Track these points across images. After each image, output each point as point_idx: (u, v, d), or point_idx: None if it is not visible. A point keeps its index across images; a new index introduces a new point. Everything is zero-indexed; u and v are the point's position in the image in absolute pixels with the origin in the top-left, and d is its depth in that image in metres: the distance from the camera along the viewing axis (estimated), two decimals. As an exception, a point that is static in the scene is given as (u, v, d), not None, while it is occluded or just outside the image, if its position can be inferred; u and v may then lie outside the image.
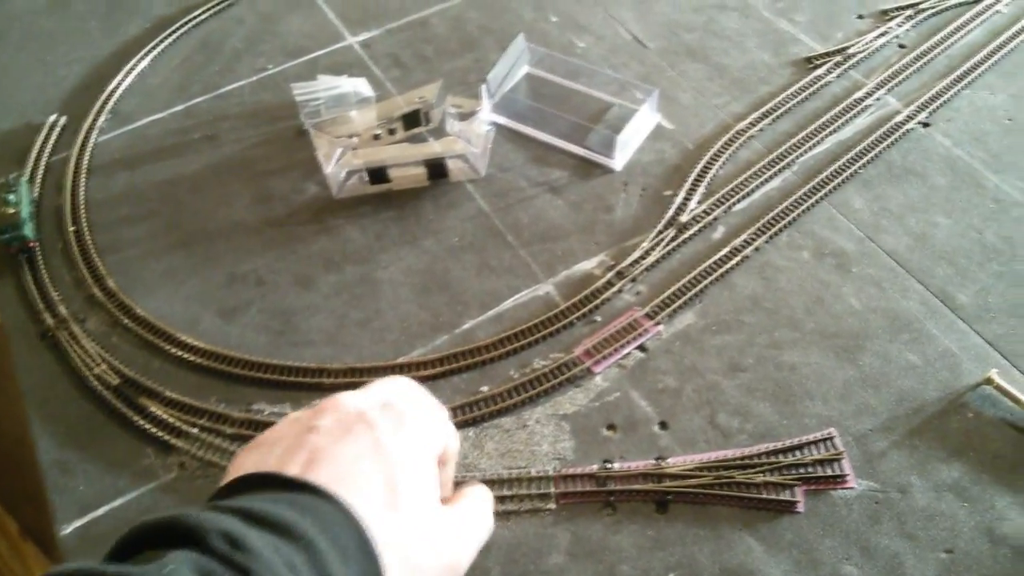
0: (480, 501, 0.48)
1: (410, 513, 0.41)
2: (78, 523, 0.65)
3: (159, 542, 0.33)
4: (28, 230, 0.82)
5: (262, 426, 0.69)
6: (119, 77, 0.99)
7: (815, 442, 0.66)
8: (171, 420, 0.69)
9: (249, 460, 0.41)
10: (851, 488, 0.63)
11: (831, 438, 0.66)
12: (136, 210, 0.86)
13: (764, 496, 0.63)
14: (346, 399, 0.44)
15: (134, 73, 0.99)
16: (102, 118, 0.95)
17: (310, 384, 0.71)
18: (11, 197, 0.82)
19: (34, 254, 0.82)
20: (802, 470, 0.64)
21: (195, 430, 0.69)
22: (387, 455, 0.41)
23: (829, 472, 0.64)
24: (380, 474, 0.40)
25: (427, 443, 0.45)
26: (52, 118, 0.95)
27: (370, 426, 0.42)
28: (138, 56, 1.01)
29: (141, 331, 0.76)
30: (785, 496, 0.63)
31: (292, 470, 0.39)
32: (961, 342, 0.71)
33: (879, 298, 0.75)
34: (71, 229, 0.84)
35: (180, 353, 0.74)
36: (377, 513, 0.39)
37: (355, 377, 0.71)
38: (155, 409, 0.70)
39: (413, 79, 0.96)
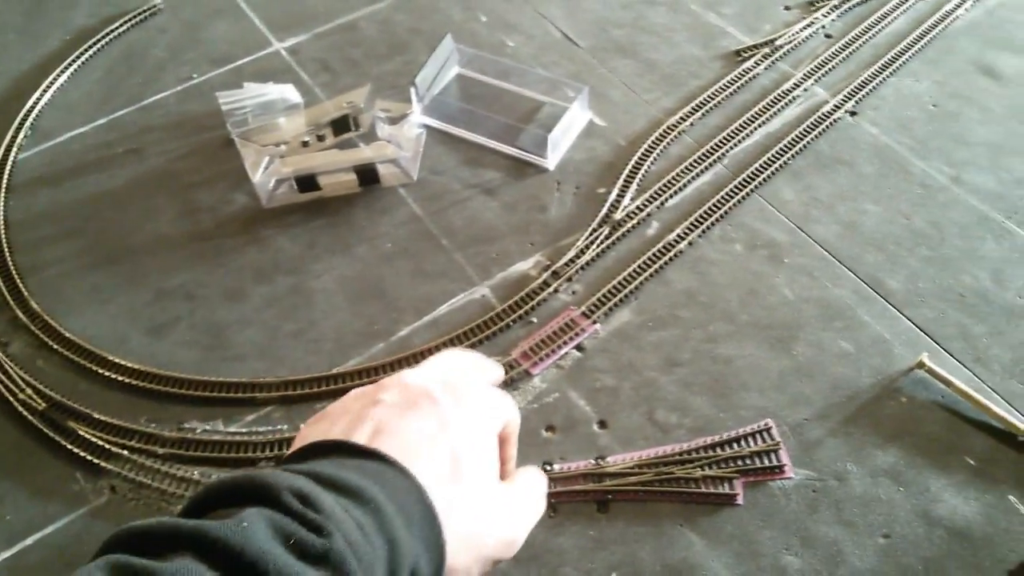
0: (536, 482, 0.49)
1: (471, 487, 0.42)
2: (7, 554, 0.62)
3: (233, 501, 0.33)
4: (-55, 253, 0.79)
5: (195, 444, 0.67)
6: (38, 92, 0.96)
7: (752, 434, 0.66)
8: (100, 442, 0.67)
9: (316, 431, 0.41)
10: (789, 478, 0.64)
11: (768, 429, 0.66)
12: (59, 228, 0.83)
13: (704, 490, 0.63)
14: (410, 375, 0.45)
15: (54, 87, 0.97)
16: (21, 135, 0.92)
17: (242, 399, 0.70)
18: (-74, 219, 0.80)
19: (-48, 278, 0.79)
20: (740, 462, 0.64)
21: (125, 452, 0.67)
22: (450, 430, 0.42)
23: (767, 463, 0.64)
24: (444, 447, 0.41)
25: (488, 419, 0.46)
26: (-31, 136, 0.92)
27: (434, 402, 0.43)
28: (58, 70, 0.98)
29: (68, 353, 0.73)
30: (724, 489, 0.63)
31: (359, 439, 0.39)
32: (893, 328, 0.72)
33: (811, 287, 0.75)
34: (-9, 250, 0.81)
35: (108, 373, 0.72)
36: (440, 484, 0.40)
37: (289, 390, 0.70)
38: (83, 432, 0.68)
39: (342, 84, 0.95)
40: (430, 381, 0.45)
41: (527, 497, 0.48)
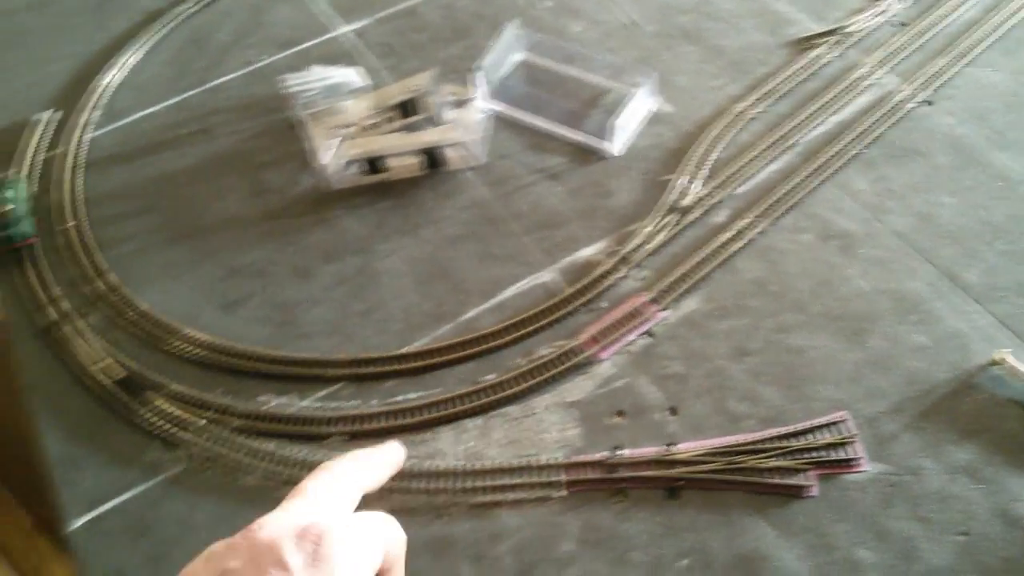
0: None
1: None
2: (85, 518, 0.64)
3: None
4: (27, 226, 0.81)
5: (268, 418, 0.68)
6: (110, 72, 0.97)
7: (826, 425, 0.65)
8: (176, 413, 0.69)
9: None
10: (863, 471, 0.63)
11: (842, 421, 0.65)
12: (133, 205, 0.85)
13: (776, 481, 0.62)
14: (264, 527, 0.41)
15: (125, 68, 0.98)
16: (95, 114, 0.94)
17: (314, 375, 0.71)
18: (8, 194, 0.81)
19: (33, 250, 0.81)
20: (813, 454, 0.63)
21: (201, 422, 0.68)
22: None
23: (841, 456, 0.63)
24: None
25: (355, 563, 0.42)
26: (45, 115, 0.93)
27: (280, 564, 0.39)
28: (128, 51, 1.00)
29: (144, 325, 0.75)
30: (797, 480, 0.62)
31: None
32: (970, 322, 0.71)
33: (886, 279, 0.74)
34: (70, 225, 0.83)
35: (183, 347, 0.73)
36: None
37: (359, 368, 0.71)
38: (160, 403, 0.69)
39: (406, 67, 0.95)
40: (283, 533, 0.41)
41: None
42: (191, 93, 0.95)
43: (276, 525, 0.42)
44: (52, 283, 0.78)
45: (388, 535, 0.45)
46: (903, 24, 0.98)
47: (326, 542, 0.41)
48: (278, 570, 0.38)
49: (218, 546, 0.41)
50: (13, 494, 1.45)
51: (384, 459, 0.52)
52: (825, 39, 0.96)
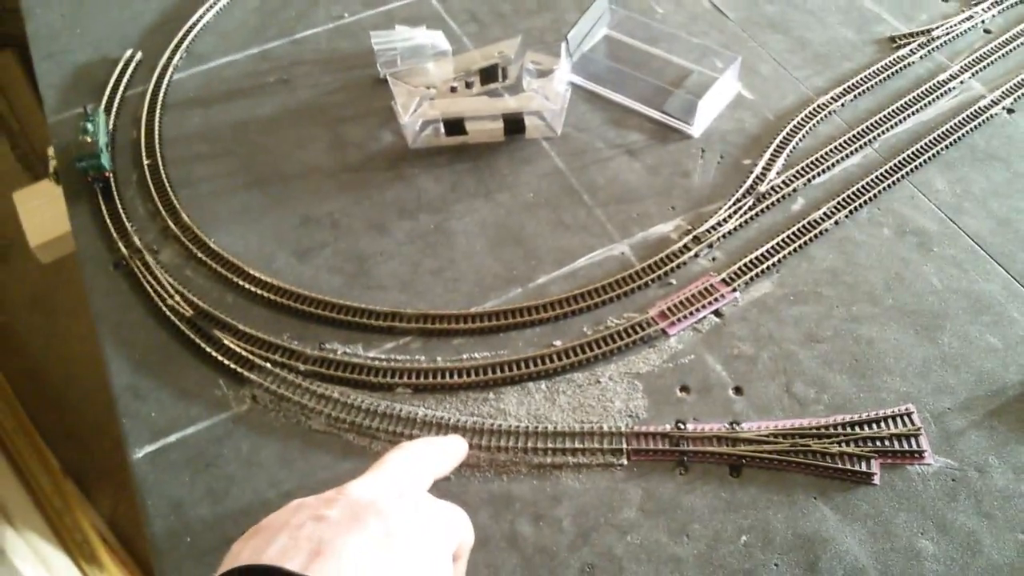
0: None
1: None
2: (149, 448, 0.65)
3: None
4: (104, 160, 0.82)
5: (335, 364, 0.69)
6: (195, 16, 0.98)
7: (892, 417, 0.65)
8: (244, 353, 0.70)
9: (247, 549, 0.38)
10: (928, 464, 0.63)
11: (909, 414, 0.65)
12: (210, 148, 0.86)
13: (840, 466, 0.62)
14: (357, 487, 0.41)
15: (211, 13, 0.99)
16: (178, 56, 0.95)
17: (383, 327, 0.71)
18: (88, 127, 0.82)
19: (109, 184, 0.82)
20: (879, 443, 0.63)
21: (267, 364, 0.69)
22: (399, 547, 0.38)
23: (906, 447, 0.63)
24: (390, 569, 0.37)
25: (442, 538, 0.42)
26: (128, 53, 0.95)
27: (381, 516, 0.39)
28: (214, -2, 1.01)
29: (215, 265, 0.76)
30: (861, 467, 0.62)
31: (293, 564, 0.36)
32: (1043, 328, 0.70)
33: (960, 279, 0.74)
34: (146, 162, 0.84)
35: (254, 288, 0.74)
36: None
37: (428, 323, 0.71)
38: (228, 342, 0.70)
39: (490, 35, 0.96)
40: (379, 493, 0.41)
41: None
42: (275, 44, 0.96)
43: (370, 484, 0.43)
44: (126, 218, 0.80)
45: (464, 526, 0.46)
46: (989, 32, 0.97)
47: (422, 505, 0.43)
48: (378, 520, 0.39)
49: (309, 499, 0.41)
50: (44, 438, 1.49)
51: (453, 449, 0.56)
52: (912, 40, 0.95)
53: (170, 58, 0.95)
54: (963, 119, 0.86)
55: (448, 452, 0.56)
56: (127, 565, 1.44)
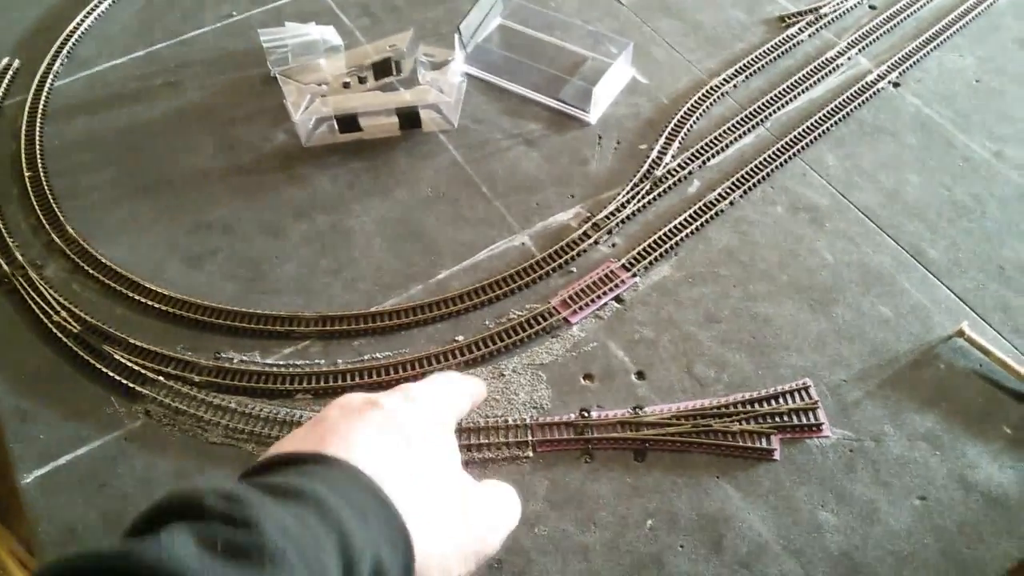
0: (508, 488, 0.49)
1: (430, 477, 0.42)
2: (39, 472, 0.62)
3: (163, 519, 0.31)
4: (-19, 174, 0.78)
5: (232, 374, 0.67)
6: (76, 21, 0.95)
7: (791, 392, 0.66)
8: (135, 367, 0.67)
9: (269, 451, 0.42)
10: (826, 437, 0.64)
11: (806, 388, 0.66)
12: (96, 156, 0.83)
13: (741, 444, 0.63)
14: (357, 393, 0.46)
15: (92, 16, 0.96)
16: (58, 62, 0.91)
17: (280, 332, 0.70)
18: (-38, 140, 0.79)
19: (-12, 199, 0.79)
20: (778, 419, 0.64)
21: (161, 378, 0.67)
22: (397, 424, 0.43)
23: (805, 421, 0.64)
24: (392, 441, 0.41)
25: (441, 410, 0.48)
26: (5, 61, 0.91)
27: (378, 404, 0.44)
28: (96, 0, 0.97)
29: (103, 278, 0.73)
30: (761, 444, 0.63)
31: (306, 446, 0.39)
32: (932, 296, 0.72)
33: (852, 252, 0.75)
34: (27, 175, 0.81)
35: (144, 300, 0.71)
36: (393, 475, 0.39)
37: (327, 326, 0.70)
38: (119, 356, 0.68)
39: (383, 29, 0.94)
40: (377, 394, 0.46)
41: (498, 496, 0.48)
42: (161, 45, 0.93)
43: (384, 394, 0.47)
44: (7, 234, 0.76)
45: (472, 389, 0.54)
46: (874, 7, 0.99)
47: (415, 389, 0.48)
48: (373, 407, 0.44)
49: (369, 395, 0.46)
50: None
51: (478, 388, 0.57)
52: (800, 19, 0.96)
53: (50, 65, 0.91)
54: (851, 95, 0.88)
55: (475, 388, 0.57)
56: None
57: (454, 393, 0.52)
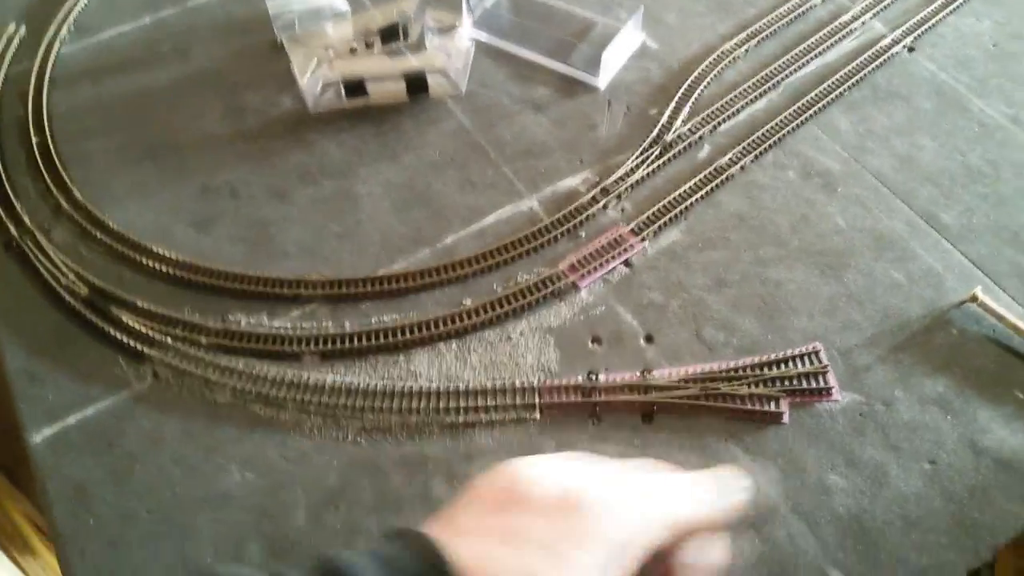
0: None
1: None
2: (48, 431, 0.63)
3: None
4: (-12, 139, 0.78)
5: (239, 336, 0.67)
6: (81, -13, 0.94)
7: (800, 356, 0.65)
8: (143, 330, 0.67)
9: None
10: (836, 401, 0.63)
11: (816, 352, 0.66)
12: (103, 122, 0.83)
13: (750, 407, 0.62)
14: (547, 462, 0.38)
15: (98, -17, 0.95)
16: (64, 29, 0.91)
17: (288, 296, 0.70)
18: (-31, 105, 0.79)
19: (-4, 164, 0.79)
20: (787, 382, 0.64)
21: (168, 340, 0.67)
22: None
23: (814, 385, 0.64)
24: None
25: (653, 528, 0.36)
26: (11, 28, 0.90)
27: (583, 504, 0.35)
28: (101, -34, 0.97)
29: (111, 242, 0.73)
30: (770, 407, 0.62)
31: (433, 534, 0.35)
32: (945, 261, 0.71)
33: (864, 217, 0.74)
34: (35, 140, 0.80)
35: (152, 264, 0.71)
36: None
37: (334, 289, 0.70)
38: (127, 319, 0.68)
39: (390, -6, 0.93)
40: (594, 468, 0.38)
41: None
42: (168, 12, 0.93)
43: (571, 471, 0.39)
44: (15, 198, 0.76)
45: (670, 501, 0.40)
46: (890, -28, 0.97)
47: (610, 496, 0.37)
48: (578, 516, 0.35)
49: (512, 468, 0.39)
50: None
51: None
52: (812, -17, 0.95)
53: (56, 31, 0.90)
54: (865, 59, 0.87)
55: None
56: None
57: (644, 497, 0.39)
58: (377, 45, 0.86)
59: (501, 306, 0.69)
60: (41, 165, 0.78)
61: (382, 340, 0.67)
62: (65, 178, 0.77)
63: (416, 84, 0.82)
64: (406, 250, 0.73)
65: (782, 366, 0.65)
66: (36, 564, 1.33)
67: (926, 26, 0.90)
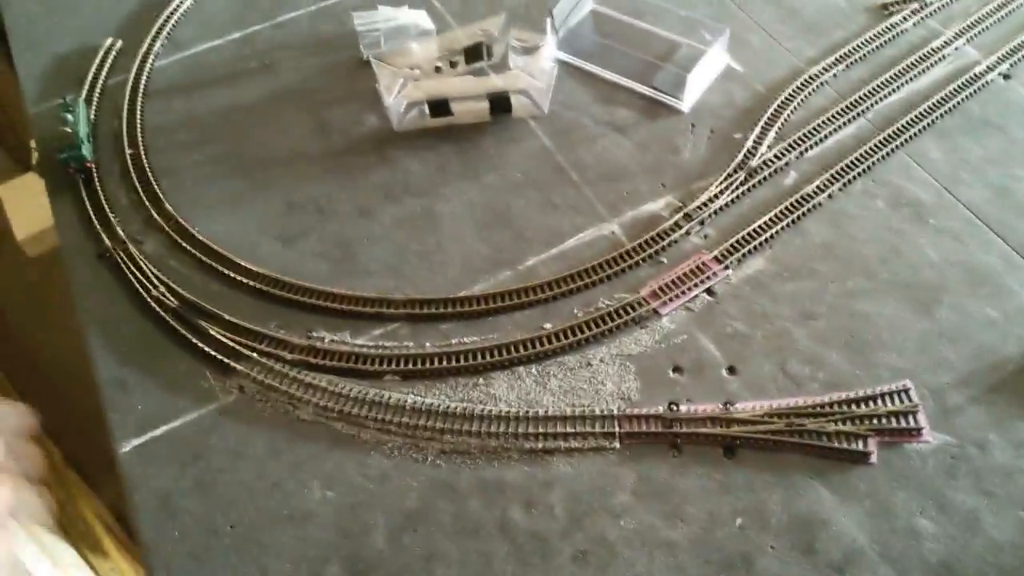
0: None
1: None
2: (136, 441, 0.64)
3: None
4: (86, 151, 0.80)
5: (323, 353, 0.68)
6: (176, 3, 0.97)
7: (889, 393, 0.64)
8: (230, 343, 0.68)
9: None
10: (926, 441, 0.62)
11: (906, 390, 0.64)
12: (194, 136, 0.85)
13: (836, 445, 0.61)
14: None
15: (189, 0, 0.98)
16: (159, 43, 0.93)
17: (370, 314, 0.70)
18: (68, 117, 0.81)
19: (91, 175, 0.81)
20: (876, 421, 0.62)
21: (254, 354, 0.68)
22: None
23: (904, 424, 0.62)
24: None
25: None
26: (108, 41, 0.93)
27: None
28: (194, -18, 0.99)
29: (199, 254, 0.75)
30: (858, 446, 0.61)
31: None
32: (1043, 298, 0.69)
33: (957, 251, 0.72)
34: (128, 152, 0.83)
35: (239, 277, 0.73)
36: None
37: (416, 309, 0.70)
38: (214, 332, 0.69)
39: (474, 13, 0.94)
40: None
41: None
42: (256, 28, 0.94)
43: None
44: (109, 209, 0.78)
45: None
46: (985, -5, 0.95)
47: None
48: None
49: None
50: (44, 429, 1.48)
51: None
52: (904, 7, 0.93)
53: (151, 45, 0.93)
54: (958, 86, 0.84)
55: None
56: (133, 553, 1.44)
57: None
58: (461, 64, 0.86)
59: (581, 331, 0.68)
60: (134, 177, 0.81)
61: (462, 362, 0.67)
62: (157, 190, 0.79)
63: (499, 104, 0.83)
64: (487, 271, 0.73)
65: (870, 404, 0.63)
66: (107, 565, 1.36)
67: (1022, 52, 0.87)
